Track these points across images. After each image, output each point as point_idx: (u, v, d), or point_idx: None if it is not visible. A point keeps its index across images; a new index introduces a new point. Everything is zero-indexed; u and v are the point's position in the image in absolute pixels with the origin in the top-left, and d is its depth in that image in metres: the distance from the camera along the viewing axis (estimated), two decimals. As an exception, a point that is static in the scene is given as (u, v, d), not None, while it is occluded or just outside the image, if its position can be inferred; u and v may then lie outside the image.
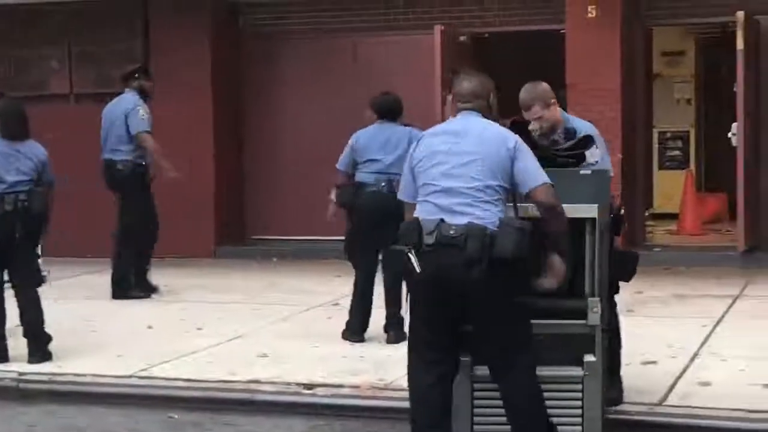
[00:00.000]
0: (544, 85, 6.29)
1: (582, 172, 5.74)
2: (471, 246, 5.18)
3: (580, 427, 5.54)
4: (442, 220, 5.28)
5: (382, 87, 11.21)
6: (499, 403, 5.46)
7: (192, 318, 9.64)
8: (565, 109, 6.49)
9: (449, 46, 12.37)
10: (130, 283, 10.67)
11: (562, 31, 12.39)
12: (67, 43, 13.79)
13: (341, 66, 13.33)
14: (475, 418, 5.64)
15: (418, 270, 5.27)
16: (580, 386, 5.53)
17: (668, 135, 15.18)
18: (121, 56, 13.15)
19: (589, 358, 5.52)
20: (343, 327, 8.67)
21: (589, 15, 12.09)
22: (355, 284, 8.68)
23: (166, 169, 10.56)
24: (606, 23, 12.08)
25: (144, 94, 10.82)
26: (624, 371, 6.51)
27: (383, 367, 7.75)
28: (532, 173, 5.38)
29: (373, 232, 8.27)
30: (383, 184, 8.43)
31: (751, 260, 11.57)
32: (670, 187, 14.47)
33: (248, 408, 7.15)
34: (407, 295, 5.64)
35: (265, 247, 13.44)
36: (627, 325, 6.71)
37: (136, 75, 10.98)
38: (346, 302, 8.83)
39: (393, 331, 8.49)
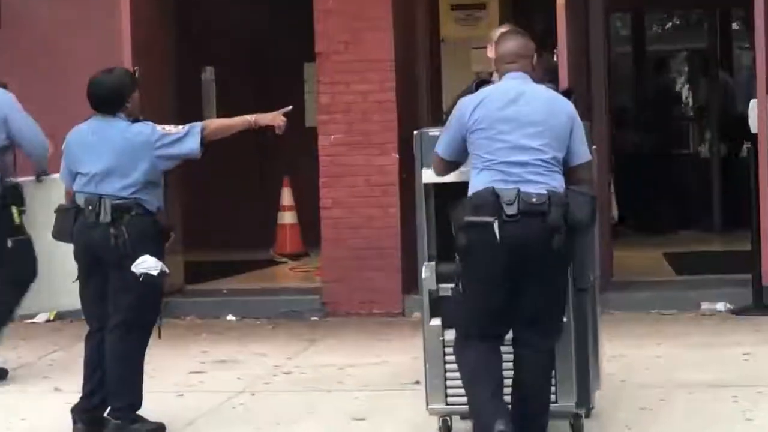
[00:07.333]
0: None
1: None
2: (554, 214, 5.95)
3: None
4: (518, 190, 5.94)
5: (44, 52, 10.58)
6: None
7: None
8: None
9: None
10: None
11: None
12: None
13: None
14: (448, 382, 6.63)
15: (498, 240, 5.92)
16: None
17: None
18: None
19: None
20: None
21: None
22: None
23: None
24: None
25: None
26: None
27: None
28: (582, 147, 6.21)
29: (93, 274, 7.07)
30: (90, 207, 6.96)
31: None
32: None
33: None
34: (463, 270, 6.10)
35: None
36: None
37: None
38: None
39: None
